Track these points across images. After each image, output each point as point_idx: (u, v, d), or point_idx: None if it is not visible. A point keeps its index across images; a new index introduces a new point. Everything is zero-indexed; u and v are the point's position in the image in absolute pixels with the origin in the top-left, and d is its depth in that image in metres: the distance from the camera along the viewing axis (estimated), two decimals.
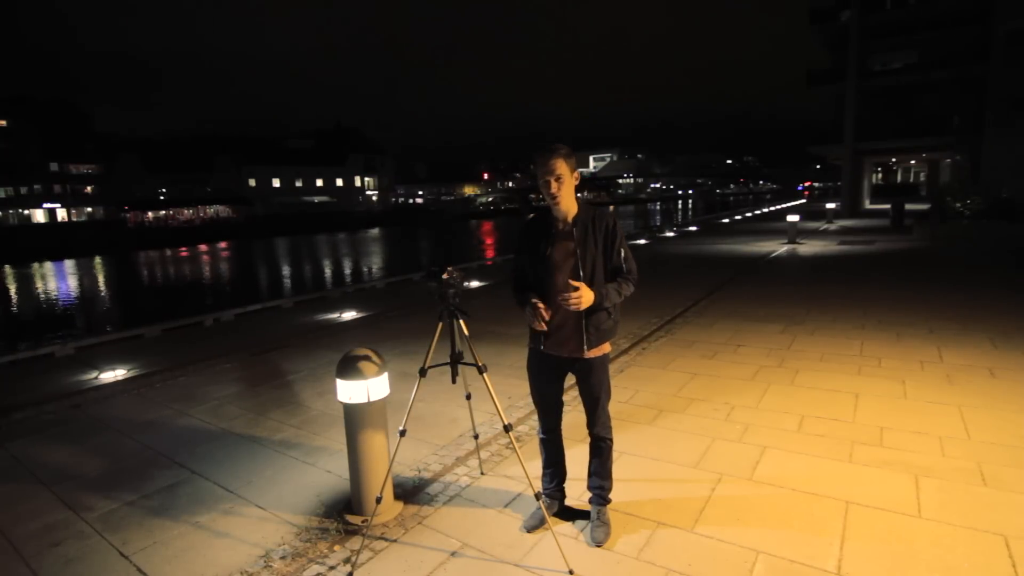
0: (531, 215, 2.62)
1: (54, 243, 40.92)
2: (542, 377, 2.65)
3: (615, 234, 2.44)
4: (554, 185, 2.37)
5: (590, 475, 2.68)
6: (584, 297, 2.30)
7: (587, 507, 2.74)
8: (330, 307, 9.09)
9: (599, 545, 2.53)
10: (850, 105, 25.11)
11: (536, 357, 2.64)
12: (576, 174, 2.43)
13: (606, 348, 2.55)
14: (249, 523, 2.89)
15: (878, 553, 2.39)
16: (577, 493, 2.90)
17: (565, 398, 2.79)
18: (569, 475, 2.86)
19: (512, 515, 2.83)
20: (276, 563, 2.54)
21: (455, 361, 2.68)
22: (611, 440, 2.64)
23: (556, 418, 2.73)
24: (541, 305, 2.40)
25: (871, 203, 31.99)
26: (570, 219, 2.46)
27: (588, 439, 2.65)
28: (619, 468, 3.01)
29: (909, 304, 7.07)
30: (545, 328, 2.43)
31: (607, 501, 2.67)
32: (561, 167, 2.36)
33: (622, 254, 2.46)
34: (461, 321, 2.64)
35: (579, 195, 2.49)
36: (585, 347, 2.46)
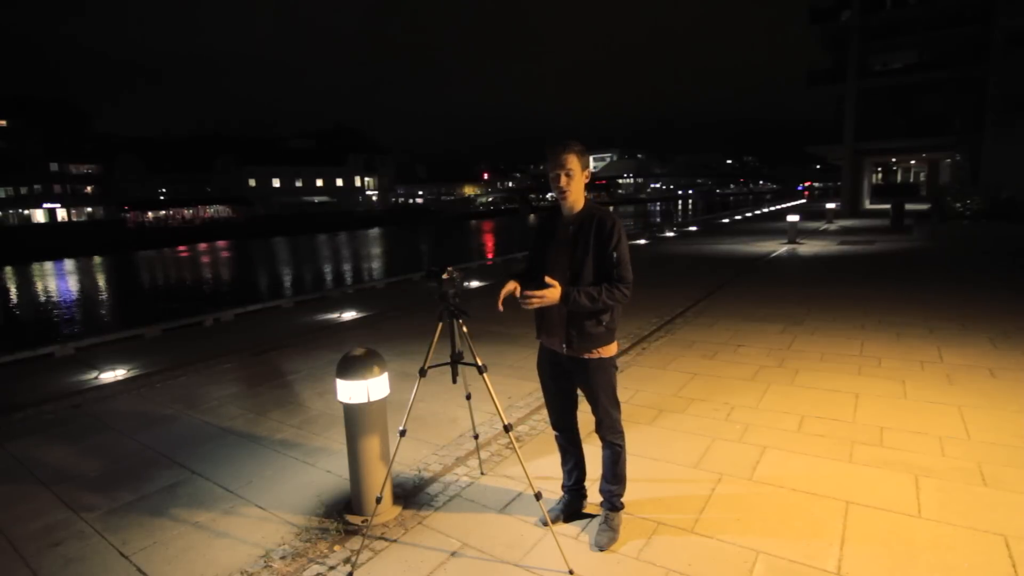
0: (532, 214, 2.61)
1: (54, 243, 40.90)
2: (545, 372, 2.65)
3: (611, 236, 2.36)
4: (563, 179, 2.37)
5: (601, 478, 2.64)
6: (547, 296, 2.26)
7: (599, 511, 2.69)
8: (330, 307, 9.09)
9: (601, 550, 2.50)
10: (850, 105, 25.12)
11: (541, 350, 2.65)
12: (587, 172, 2.42)
13: (605, 352, 2.46)
14: (249, 523, 2.89)
15: (878, 553, 2.39)
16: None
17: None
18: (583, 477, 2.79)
19: (512, 515, 2.82)
20: (276, 563, 2.54)
21: (455, 361, 2.68)
22: (619, 445, 2.55)
23: (566, 417, 2.68)
24: (504, 291, 2.46)
25: (871, 203, 32.00)
26: (573, 217, 2.45)
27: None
28: None
29: (909, 304, 7.07)
30: (501, 309, 2.47)
31: (617, 507, 2.61)
32: (572, 161, 2.37)
33: (614, 258, 2.35)
34: (461, 321, 2.64)
35: (587, 195, 2.48)
36: (564, 345, 2.44)
